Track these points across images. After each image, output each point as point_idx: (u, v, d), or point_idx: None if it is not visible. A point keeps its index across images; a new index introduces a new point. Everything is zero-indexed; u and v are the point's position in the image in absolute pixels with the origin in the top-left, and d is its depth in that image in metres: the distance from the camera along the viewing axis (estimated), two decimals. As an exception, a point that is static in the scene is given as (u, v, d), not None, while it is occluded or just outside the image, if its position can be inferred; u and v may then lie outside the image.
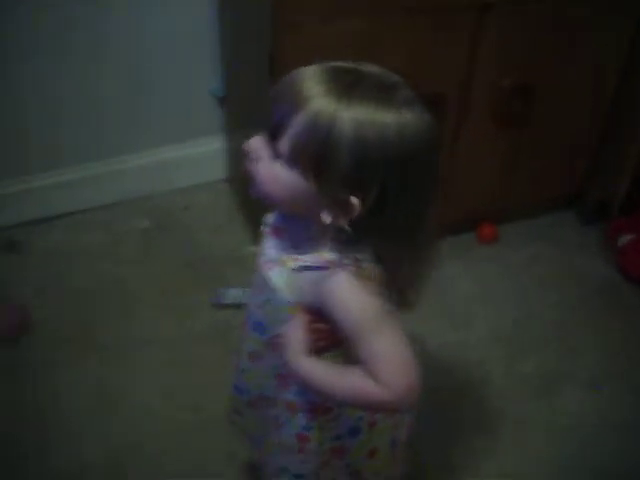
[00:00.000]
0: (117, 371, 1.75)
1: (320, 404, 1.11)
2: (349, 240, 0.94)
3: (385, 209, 0.90)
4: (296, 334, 1.01)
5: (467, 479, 1.61)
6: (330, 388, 1.00)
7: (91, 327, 1.85)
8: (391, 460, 1.26)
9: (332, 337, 1.01)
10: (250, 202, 1.96)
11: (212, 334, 1.83)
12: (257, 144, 0.94)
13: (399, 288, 1.01)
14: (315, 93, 0.87)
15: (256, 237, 2.05)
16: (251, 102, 1.84)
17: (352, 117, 0.85)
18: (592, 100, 1.95)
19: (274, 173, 0.92)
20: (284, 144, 0.90)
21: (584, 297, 2.01)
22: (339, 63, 0.92)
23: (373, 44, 1.58)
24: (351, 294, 0.94)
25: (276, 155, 0.91)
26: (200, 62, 2.04)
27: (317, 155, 0.88)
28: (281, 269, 1.02)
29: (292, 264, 1.00)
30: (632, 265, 2.03)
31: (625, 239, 2.04)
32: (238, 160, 2.11)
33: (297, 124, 0.88)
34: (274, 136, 0.91)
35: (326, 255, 0.95)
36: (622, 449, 1.67)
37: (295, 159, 0.90)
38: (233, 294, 1.90)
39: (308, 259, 0.97)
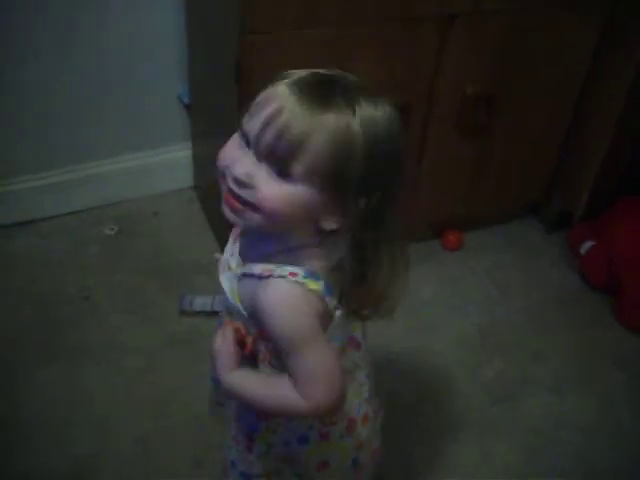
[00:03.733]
0: (82, 377, 1.74)
1: None
2: (332, 245, 0.96)
3: (385, 206, 0.95)
4: (225, 347, 1.02)
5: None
6: (259, 401, 1.02)
7: (56, 332, 1.83)
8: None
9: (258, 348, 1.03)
10: (216, 210, 1.96)
11: (180, 341, 1.82)
12: (247, 170, 0.91)
13: (377, 294, 1.03)
14: (324, 111, 0.87)
15: (223, 244, 2.06)
16: (217, 110, 1.85)
17: (358, 123, 0.88)
18: (554, 110, 1.99)
19: (282, 193, 0.90)
20: (298, 166, 0.88)
21: (547, 303, 2.04)
22: (303, 75, 0.92)
23: (340, 52, 1.60)
24: (283, 302, 0.95)
25: (284, 177, 0.89)
26: (169, 67, 2.03)
27: (336, 168, 0.89)
28: (229, 274, 1.04)
29: (237, 270, 1.01)
30: (593, 273, 2.07)
31: (587, 247, 2.07)
32: (204, 168, 2.12)
33: (314, 147, 0.87)
34: (286, 160, 0.88)
35: (270, 266, 0.96)
36: (584, 453, 1.70)
37: (313, 175, 0.89)
38: (202, 301, 1.90)
39: (253, 268, 0.98)
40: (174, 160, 2.20)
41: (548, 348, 1.92)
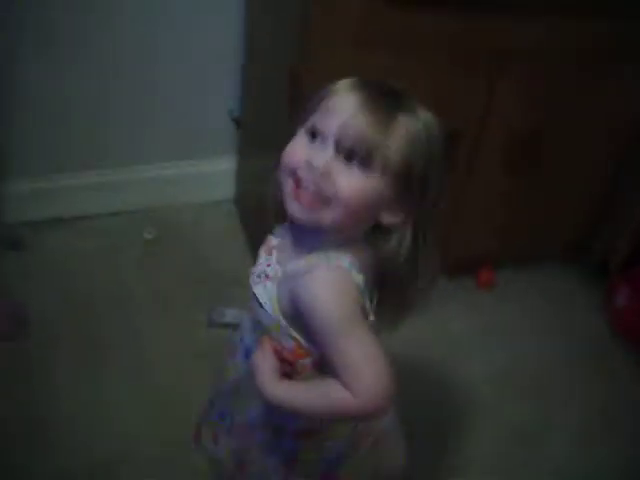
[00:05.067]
0: (109, 381, 1.75)
1: (307, 428, 1.11)
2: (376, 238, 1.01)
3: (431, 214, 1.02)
4: (267, 361, 1.02)
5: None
6: (310, 409, 1.00)
7: (86, 331, 1.85)
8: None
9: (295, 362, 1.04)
10: (254, 224, 1.98)
11: (206, 352, 1.82)
12: (325, 162, 0.94)
13: (395, 302, 1.05)
14: (398, 112, 0.95)
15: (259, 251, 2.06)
16: (267, 128, 1.86)
17: (422, 126, 0.97)
18: (601, 155, 1.98)
19: (363, 184, 0.95)
20: (375, 162, 0.94)
21: (577, 351, 2.01)
22: (370, 82, 0.99)
23: (395, 77, 1.61)
24: (325, 290, 0.95)
25: (366, 167, 0.94)
26: (221, 82, 2.07)
27: (407, 166, 0.96)
28: (269, 283, 1.04)
29: (279, 274, 1.02)
30: (627, 326, 2.04)
31: (623, 299, 2.04)
32: (247, 182, 2.14)
33: (396, 140, 0.94)
34: (371, 150, 0.93)
35: (314, 257, 0.98)
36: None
37: (386, 171, 0.95)
38: (232, 313, 1.91)
39: (297, 264, 0.99)
40: (218, 172, 2.23)
41: (574, 396, 1.90)
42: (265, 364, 1.02)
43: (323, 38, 1.53)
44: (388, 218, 0.99)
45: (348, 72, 1.54)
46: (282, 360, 1.03)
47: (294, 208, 0.97)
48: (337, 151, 0.94)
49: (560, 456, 1.76)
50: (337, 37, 1.54)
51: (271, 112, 1.81)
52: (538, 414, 1.84)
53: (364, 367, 0.93)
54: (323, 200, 0.95)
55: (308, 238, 1.01)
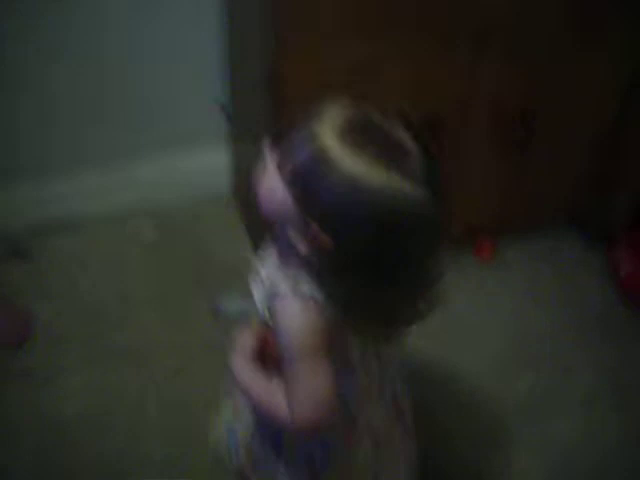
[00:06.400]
0: (118, 378, 1.78)
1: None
2: (319, 275, 0.97)
3: (360, 269, 0.92)
4: (247, 339, 1.09)
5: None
6: (257, 400, 1.08)
7: (95, 334, 1.88)
8: None
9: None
10: (253, 215, 1.98)
11: (213, 345, 1.84)
12: (269, 158, 0.98)
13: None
14: (330, 134, 0.89)
15: (258, 250, 2.07)
16: (251, 117, 1.87)
17: (352, 170, 0.87)
18: (595, 120, 1.96)
19: (273, 185, 0.95)
20: (287, 165, 0.93)
21: (583, 319, 2.01)
22: (366, 112, 0.94)
23: (374, 64, 1.61)
24: (289, 320, 0.99)
25: (278, 169, 0.95)
26: (210, 74, 2.06)
27: (308, 187, 0.91)
28: (260, 285, 1.07)
29: (266, 284, 1.04)
30: (632, 290, 2.03)
31: (626, 263, 2.04)
32: (241, 173, 2.15)
33: (301, 153, 0.91)
34: (282, 156, 0.94)
35: (289, 282, 0.99)
36: (611, 472, 1.69)
37: (290, 181, 0.93)
38: (237, 304, 1.91)
39: (279, 286, 1.01)
40: (214, 165, 2.24)
41: (579, 364, 1.90)
42: (244, 340, 1.10)
43: (295, 26, 1.52)
44: (296, 242, 0.96)
45: (327, 60, 1.56)
46: (265, 350, 1.08)
47: None
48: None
49: (567, 426, 1.77)
50: (310, 24, 1.53)
51: (254, 103, 1.81)
52: (546, 383, 1.85)
53: (304, 396, 1.00)
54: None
55: (286, 253, 1.02)
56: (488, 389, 1.82)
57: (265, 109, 1.66)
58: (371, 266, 0.91)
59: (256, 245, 2.06)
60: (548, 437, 1.74)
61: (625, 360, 1.93)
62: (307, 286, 0.98)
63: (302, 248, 0.96)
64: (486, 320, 1.98)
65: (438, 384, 1.81)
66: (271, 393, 1.04)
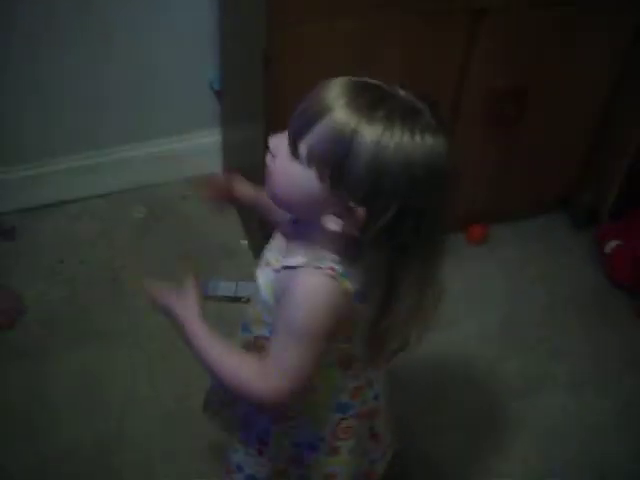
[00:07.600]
0: (108, 357, 1.79)
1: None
2: (353, 254, 0.95)
3: (397, 234, 0.90)
4: (194, 296, 1.05)
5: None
6: (216, 365, 1.01)
7: (84, 313, 1.88)
8: None
9: None
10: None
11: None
12: (277, 142, 0.96)
13: (394, 331, 1.02)
14: (339, 104, 0.88)
15: (248, 231, 2.06)
16: (245, 97, 1.86)
17: (372, 135, 0.87)
18: (585, 106, 1.98)
19: (289, 171, 0.94)
20: (303, 147, 0.91)
21: (570, 300, 2.04)
22: (367, 79, 0.93)
23: (368, 45, 1.61)
24: (307, 293, 0.96)
25: (295, 155, 0.93)
26: (200, 54, 2.05)
27: (335, 163, 0.89)
28: (267, 269, 1.06)
29: (276, 265, 1.03)
30: (618, 271, 2.06)
31: (612, 245, 2.06)
32: (232, 153, 2.14)
33: (318, 132, 0.89)
34: (295, 138, 0.92)
35: (308, 257, 0.97)
36: (597, 452, 1.71)
37: (312, 161, 0.91)
38: (226, 286, 1.93)
39: (291, 260, 0.99)
40: (204, 145, 2.23)
41: (568, 345, 1.92)
42: (193, 298, 1.05)
43: (288, 8, 1.52)
44: (328, 222, 0.96)
45: (321, 40, 1.55)
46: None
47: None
48: (290, 138, 0.94)
49: (558, 405, 1.79)
50: (303, 5, 1.52)
51: (248, 82, 1.81)
52: (537, 363, 1.87)
53: (289, 370, 0.97)
54: (268, 175, 0.98)
55: (301, 232, 1.02)
56: (476, 370, 1.84)
57: (260, 91, 1.65)
58: (403, 228, 0.90)
59: (246, 226, 2.06)
60: (536, 418, 1.76)
61: (608, 341, 1.95)
62: (331, 263, 0.96)
63: (332, 226, 0.95)
64: (476, 302, 2.00)
65: (425, 364, 1.82)
66: (238, 366, 1.00)
